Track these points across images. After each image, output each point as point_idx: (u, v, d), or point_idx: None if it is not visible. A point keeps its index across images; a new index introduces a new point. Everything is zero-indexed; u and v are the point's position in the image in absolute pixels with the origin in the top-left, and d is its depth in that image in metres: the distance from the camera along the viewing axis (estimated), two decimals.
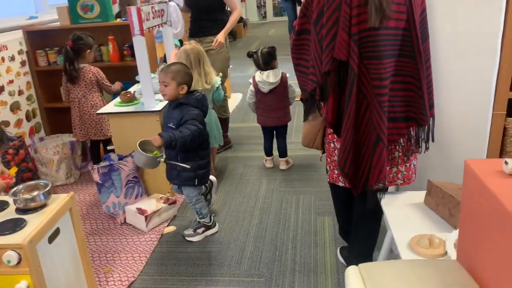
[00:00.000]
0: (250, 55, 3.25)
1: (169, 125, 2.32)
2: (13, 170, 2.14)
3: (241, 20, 10.49)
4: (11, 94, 3.27)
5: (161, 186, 2.89)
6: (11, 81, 3.28)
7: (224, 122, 3.73)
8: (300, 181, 3.12)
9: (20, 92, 3.39)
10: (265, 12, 13.71)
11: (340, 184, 1.92)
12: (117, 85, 3.19)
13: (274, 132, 3.37)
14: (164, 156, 2.23)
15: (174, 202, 2.78)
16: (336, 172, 1.91)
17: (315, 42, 1.71)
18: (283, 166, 3.36)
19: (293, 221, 2.62)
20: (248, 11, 13.17)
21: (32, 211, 1.72)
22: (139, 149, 2.18)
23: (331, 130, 1.84)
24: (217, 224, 2.60)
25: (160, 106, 2.78)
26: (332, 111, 1.73)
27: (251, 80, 3.24)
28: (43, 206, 1.75)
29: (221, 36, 3.42)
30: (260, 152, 3.63)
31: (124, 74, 3.61)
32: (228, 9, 3.56)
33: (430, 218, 1.69)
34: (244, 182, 3.18)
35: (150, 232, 2.58)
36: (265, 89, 3.15)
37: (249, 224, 2.62)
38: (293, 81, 3.32)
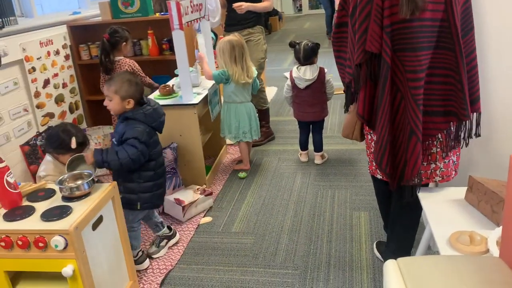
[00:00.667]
0: (292, 45, 3.20)
1: (112, 139, 2.20)
2: None
3: (276, 13, 10.45)
4: (56, 87, 3.41)
5: (197, 178, 2.94)
6: (55, 75, 3.42)
7: (265, 113, 3.76)
8: (335, 176, 3.10)
9: (64, 85, 3.53)
10: (300, 5, 13.60)
11: (379, 176, 1.90)
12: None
13: (310, 126, 3.36)
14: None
15: (210, 194, 2.82)
16: (374, 164, 1.89)
17: (351, 35, 1.70)
18: (318, 160, 3.34)
19: (328, 215, 2.61)
20: (283, 4, 13.10)
21: (77, 199, 1.79)
22: (67, 165, 2.02)
23: (365, 123, 1.83)
24: (177, 233, 2.49)
25: (198, 99, 2.82)
26: (363, 104, 1.72)
27: (287, 74, 3.24)
28: (87, 194, 1.83)
29: (245, 4, 3.39)
30: (295, 146, 3.63)
31: (162, 67, 3.70)
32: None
33: (471, 215, 1.64)
34: (279, 175, 3.19)
35: (187, 222, 2.64)
36: (301, 85, 3.14)
37: (283, 217, 2.64)
38: (331, 74, 3.31)
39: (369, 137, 1.87)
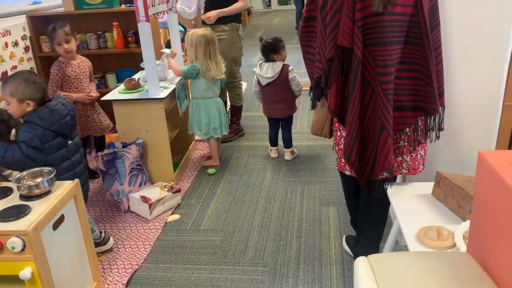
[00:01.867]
0: (260, 39, 3.19)
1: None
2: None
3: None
4: None
5: (165, 175, 2.87)
6: (14, 67, 3.26)
7: (238, 110, 3.72)
8: (305, 171, 3.10)
9: None
10: (269, 0, 13.59)
11: (347, 172, 1.90)
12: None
13: (280, 122, 3.35)
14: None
15: (178, 191, 2.76)
16: (343, 160, 1.88)
17: (320, 29, 1.68)
18: (288, 156, 3.33)
19: (297, 211, 2.60)
20: None
21: (36, 198, 1.71)
22: None
23: (337, 119, 1.82)
24: (111, 238, 2.34)
25: (165, 93, 2.75)
26: (335, 99, 1.71)
27: (256, 70, 3.20)
28: (47, 193, 1.74)
29: (213, 13, 3.34)
30: (265, 142, 3.61)
31: (128, 61, 3.59)
32: None
33: (438, 210, 1.66)
34: (249, 171, 3.16)
35: (154, 220, 2.58)
36: (263, 82, 3.12)
37: (253, 213, 2.61)
38: (301, 70, 3.29)
39: (338, 133, 1.86)
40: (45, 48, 3.52)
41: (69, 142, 2.07)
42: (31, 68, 3.47)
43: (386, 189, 1.80)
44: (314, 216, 2.54)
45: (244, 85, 5.30)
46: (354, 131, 1.66)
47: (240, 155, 3.44)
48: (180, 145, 3.35)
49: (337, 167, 1.97)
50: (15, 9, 3.36)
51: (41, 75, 3.54)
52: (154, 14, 2.68)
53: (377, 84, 1.61)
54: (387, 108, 1.61)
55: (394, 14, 1.54)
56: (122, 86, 2.91)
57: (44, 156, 1.95)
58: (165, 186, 2.75)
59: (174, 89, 2.88)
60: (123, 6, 3.52)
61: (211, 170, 3.15)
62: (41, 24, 3.51)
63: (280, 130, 3.37)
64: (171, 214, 2.64)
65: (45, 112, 1.95)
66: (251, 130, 3.93)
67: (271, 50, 3.08)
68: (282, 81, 3.08)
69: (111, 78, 3.59)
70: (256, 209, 2.66)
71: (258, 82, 3.19)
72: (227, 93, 3.70)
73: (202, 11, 3.51)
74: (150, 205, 2.56)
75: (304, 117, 4.17)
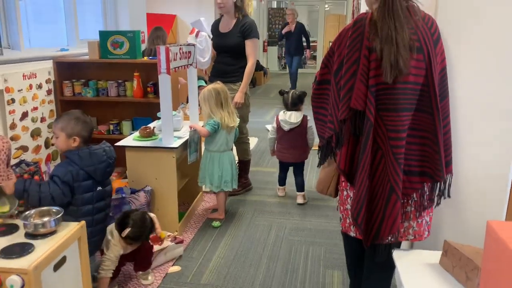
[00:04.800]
0: (281, 93, 3.59)
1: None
2: (163, 234, 2.35)
3: (261, 68, 10.75)
4: (33, 120, 3.34)
5: (169, 224, 2.86)
6: (35, 108, 3.36)
7: (246, 164, 3.75)
8: (310, 231, 3.06)
9: (43, 119, 3.47)
10: (285, 63, 14.05)
11: (352, 234, 1.88)
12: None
13: (291, 168, 3.63)
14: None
15: (181, 242, 2.73)
16: (348, 221, 1.87)
17: (334, 92, 1.74)
18: (300, 200, 3.55)
19: (301, 272, 2.54)
20: (269, 61, 13.54)
21: (41, 237, 1.71)
22: None
23: (345, 178, 1.83)
24: None
25: (178, 143, 2.80)
26: (345, 159, 1.74)
27: (268, 127, 3.32)
28: (52, 232, 1.74)
29: (238, 97, 3.49)
30: (272, 198, 3.62)
31: (145, 110, 3.69)
32: None
33: (446, 280, 1.62)
34: (254, 227, 3.13)
35: (154, 270, 2.53)
36: (286, 127, 3.42)
37: (255, 271, 2.55)
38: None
39: (345, 193, 1.86)
40: (67, 92, 3.65)
41: (98, 188, 2.14)
42: (51, 110, 3.58)
43: (391, 253, 1.77)
44: (318, 279, 2.47)
45: (255, 140, 5.39)
46: (363, 192, 1.67)
47: (246, 209, 3.43)
48: (187, 195, 3.35)
49: (341, 228, 1.95)
50: (44, 54, 3.53)
51: None
52: (174, 68, 2.80)
53: (388, 148, 1.64)
54: (397, 172, 1.63)
55: (407, 83, 1.60)
56: (137, 133, 2.98)
57: (72, 195, 2.03)
58: (168, 236, 2.72)
59: (186, 140, 2.93)
60: (145, 58, 3.68)
61: (216, 223, 3.13)
62: (66, 70, 3.67)
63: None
64: (172, 265, 2.60)
65: (85, 152, 2.08)
66: (259, 185, 3.93)
67: (299, 100, 3.47)
68: (302, 128, 3.43)
69: (126, 125, 3.68)
70: (258, 267, 2.60)
71: (278, 128, 3.48)
72: (235, 148, 3.76)
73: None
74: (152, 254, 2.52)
75: (312, 177, 4.18)
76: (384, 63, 1.58)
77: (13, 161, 3.03)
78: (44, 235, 1.71)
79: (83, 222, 1.87)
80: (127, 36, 3.49)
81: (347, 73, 1.64)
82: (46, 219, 1.78)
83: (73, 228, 1.80)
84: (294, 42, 8.34)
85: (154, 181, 2.80)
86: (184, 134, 2.99)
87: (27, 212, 1.79)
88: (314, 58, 14.12)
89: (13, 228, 1.79)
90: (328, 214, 3.33)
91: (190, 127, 2.99)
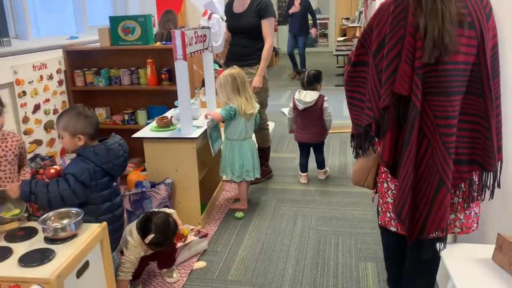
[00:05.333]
0: (299, 72, 3.54)
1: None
2: (186, 231, 2.26)
3: (273, 48, 10.49)
4: (46, 112, 3.23)
5: (192, 217, 2.75)
6: (47, 100, 3.25)
7: (266, 151, 3.61)
8: (338, 220, 2.92)
9: (55, 111, 3.35)
10: (296, 42, 13.75)
11: (392, 228, 1.74)
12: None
13: (310, 149, 3.58)
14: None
15: (205, 236, 2.62)
16: (388, 215, 1.73)
17: (373, 75, 1.58)
18: (321, 176, 3.59)
19: (332, 265, 2.42)
20: (279, 40, 13.24)
21: (61, 241, 1.60)
22: None
23: (385, 169, 1.69)
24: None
25: (197, 133, 2.67)
26: (389, 150, 1.58)
27: (284, 110, 3.21)
28: (73, 236, 1.63)
29: (257, 81, 3.33)
30: (294, 186, 3.49)
31: (159, 98, 3.55)
32: None
33: (502, 278, 1.48)
34: (278, 217, 3.00)
35: (179, 267, 2.42)
36: (300, 107, 3.37)
37: (284, 265, 2.44)
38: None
39: (385, 185, 1.71)
40: (78, 82, 3.52)
41: (114, 183, 2.02)
42: (63, 101, 3.46)
43: (440, 250, 1.63)
44: (351, 273, 2.34)
45: (271, 125, 5.23)
46: (408, 186, 1.52)
47: (268, 198, 3.30)
48: (207, 185, 3.24)
49: (379, 222, 1.80)
50: (53, 43, 3.39)
51: None
52: (191, 53, 2.64)
53: (437, 137, 1.49)
54: (447, 162, 1.48)
55: (457, 63, 1.43)
56: (154, 124, 2.85)
57: (88, 193, 1.89)
58: (192, 229, 2.61)
59: (206, 129, 2.79)
60: (158, 43, 3.52)
61: (239, 214, 3.01)
62: (76, 58, 3.53)
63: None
64: (197, 261, 2.49)
65: (101, 149, 1.93)
66: (280, 172, 3.79)
67: (315, 79, 3.41)
68: (317, 108, 3.35)
69: (141, 114, 3.55)
70: (287, 260, 2.48)
71: (294, 107, 3.42)
72: (254, 135, 3.61)
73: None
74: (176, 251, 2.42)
75: (335, 162, 4.03)
76: (426, 40, 1.41)
77: (28, 156, 2.94)
78: (64, 239, 1.60)
79: (104, 224, 1.75)
80: (138, 21, 3.33)
81: (390, 53, 1.48)
82: (65, 221, 1.67)
83: (95, 231, 1.69)
84: (299, 21, 7.95)
85: (174, 173, 2.68)
86: (203, 122, 2.85)
87: (45, 215, 1.67)
88: (325, 35, 13.77)
89: (32, 232, 1.68)
90: (354, 201, 3.19)
91: (206, 116, 2.85)
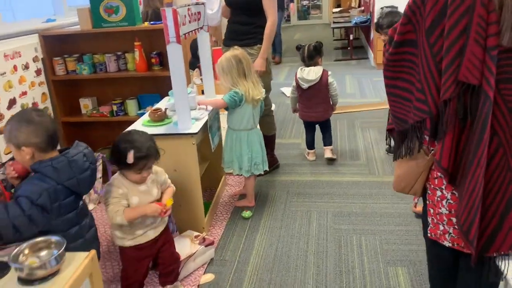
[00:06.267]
0: (298, 48, 3.32)
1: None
2: (170, 201, 1.93)
3: None
4: (24, 107, 2.86)
5: (195, 221, 2.44)
6: (24, 93, 2.88)
7: (271, 140, 3.28)
8: (357, 216, 2.63)
9: (35, 105, 2.99)
10: (288, 15, 13.22)
11: (447, 244, 1.44)
12: None
13: (316, 126, 3.45)
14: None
15: (212, 243, 2.32)
16: (441, 227, 1.43)
17: (427, 58, 1.24)
18: (328, 154, 3.39)
19: (358, 273, 2.13)
20: None
21: (39, 282, 1.27)
22: None
23: (438, 174, 1.37)
24: None
25: (197, 126, 2.33)
26: (449, 153, 1.26)
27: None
28: (54, 273, 1.31)
29: (259, 64, 2.96)
30: (304, 176, 3.19)
31: (150, 85, 3.20)
32: None
33: None
34: (290, 215, 2.70)
35: (184, 282, 2.13)
36: (304, 85, 3.19)
37: (303, 275, 2.15)
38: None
39: (438, 193, 1.40)
40: (59, 70, 3.14)
41: (81, 202, 1.65)
42: (43, 93, 3.09)
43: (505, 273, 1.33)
44: (380, 281, 2.06)
45: (272, 107, 4.88)
46: (477, 198, 1.20)
47: (277, 193, 2.99)
48: (209, 180, 2.92)
49: (429, 234, 1.50)
50: (27, 28, 2.99)
51: (53, 100, 3.16)
52: (185, 34, 2.28)
53: (508, 135, 1.17)
54: None
55: None
56: (146, 117, 2.50)
57: (48, 219, 1.51)
58: (195, 237, 2.31)
59: (206, 122, 2.45)
60: (146, 24, 3.13)
61: (246, 213, 2.71)
62: (55, 44, 3.14)
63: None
64: (204, 273, 2.19)
65: (61, 162, 1.53)
66: (287, 161, 3.48)
67: (316, 51, 3.22)
68: (322, 85, 3.19)
69: (131, 104, 3.19)
70: (305, 269, 2.19)
71: (297, 86, 3.25)
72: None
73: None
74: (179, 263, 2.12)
75: (345, 146, 3.71)
76: (503, 17, 1.08)
77: (5, 158, 2.59)
78: (43, 279, 1.28)
79: (93, 252, 1.43)
80: None
81: (453, 30, 1.14)
82: (43, 253, 1.34)
83: (82, 263, 1.36)
84: None
85: (173, 173, 2.34)
86: (202, 114, 2.50)
87: (16, 250, 1.34)
88: (317, 7, 13.25)
89: (2, 269, 1.35)
90: (372, 192, 2.89)
91: (199, 104, 2.51)
